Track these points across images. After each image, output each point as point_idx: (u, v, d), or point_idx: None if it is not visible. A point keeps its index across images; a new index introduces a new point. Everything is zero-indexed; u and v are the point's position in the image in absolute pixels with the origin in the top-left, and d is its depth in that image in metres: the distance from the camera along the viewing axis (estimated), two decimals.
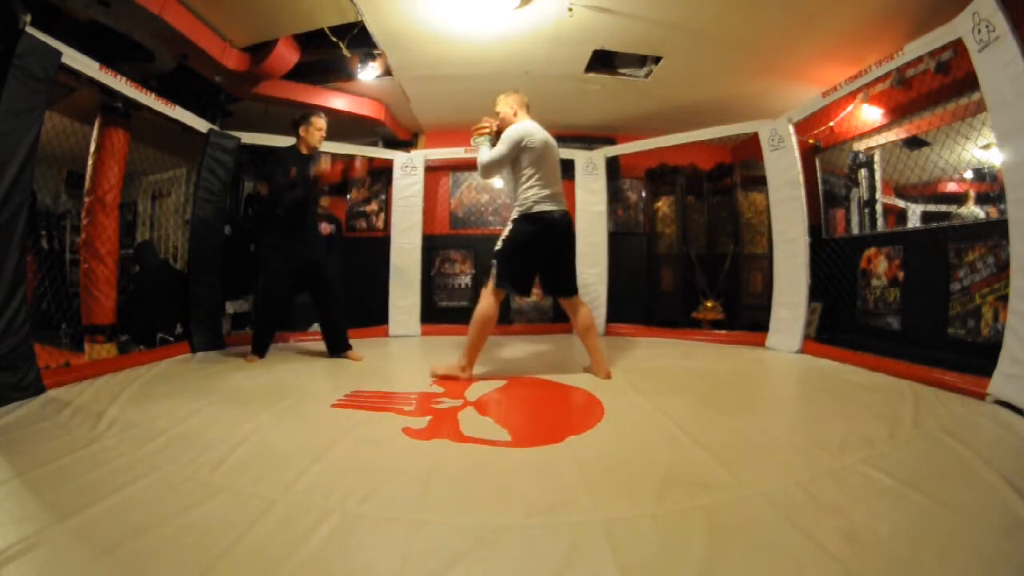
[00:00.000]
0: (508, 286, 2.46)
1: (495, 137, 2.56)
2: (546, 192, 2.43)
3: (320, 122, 3.06)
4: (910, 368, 2.43)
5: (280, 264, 2.96)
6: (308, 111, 3.12)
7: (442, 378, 2.44)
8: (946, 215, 3.39)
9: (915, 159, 3.31)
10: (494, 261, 2.48)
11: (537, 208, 2.41)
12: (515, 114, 2.59)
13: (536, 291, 4.90)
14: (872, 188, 3.76)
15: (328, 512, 1.10)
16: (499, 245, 2.48)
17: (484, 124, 2.58)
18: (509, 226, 2.48)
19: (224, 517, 1.08)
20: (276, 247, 2.98)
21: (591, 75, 3.85)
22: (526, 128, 2.46)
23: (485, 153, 2.49)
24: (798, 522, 1.03)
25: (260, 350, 3.04)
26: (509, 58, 3.58)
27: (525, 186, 2.45)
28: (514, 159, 2.46)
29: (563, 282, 2.57)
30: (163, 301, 3.53)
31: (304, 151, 3.04)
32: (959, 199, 3.30)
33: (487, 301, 2.45)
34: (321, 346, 3.19)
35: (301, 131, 3.03)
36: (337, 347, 3.10)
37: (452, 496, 1.21)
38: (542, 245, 2.45)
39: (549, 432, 1.70)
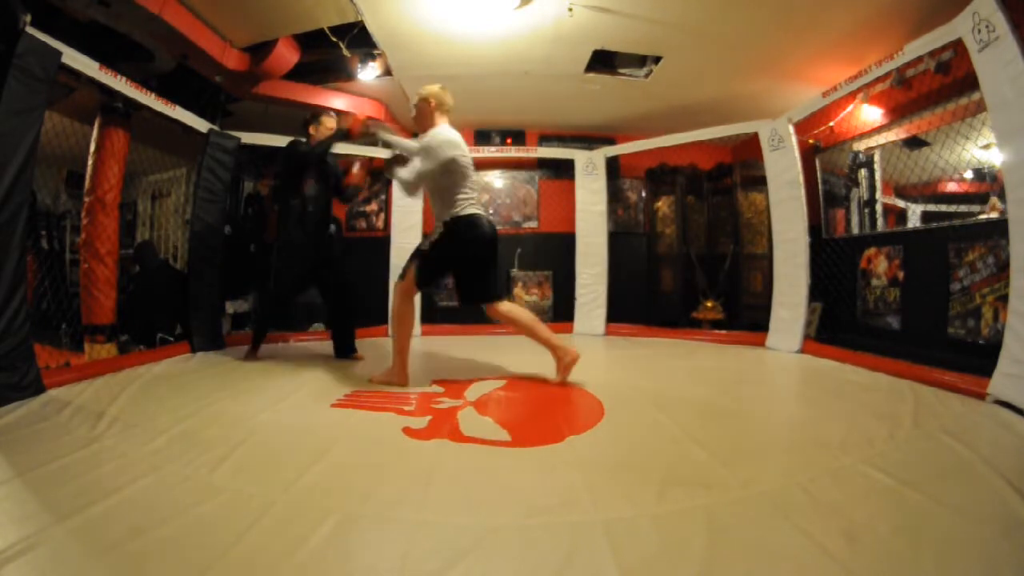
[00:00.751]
0: (424, 288, 2.44)
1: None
2: (475, 200, 2.38)
3: (331, 122, 3.03)
4: (910, 368, 2.44)
5: (293, 263, 2.94)
6: (317, 110, 3.10)
7: (381, 382, 2.39)
8: (947, 215, 3.39)
9: (915, 159, 3.31)
10: (415, 262, 2.39)
11: (470, 214, 2.32)
12: (431, 112, 2.40)
13: (536, 290, 4.93)
14: (872, 188, 3.76)
15: (328, 512, 1.10)
16: (425, 247, 2.40)
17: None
18: (440, 229, 2.35)
19: (224, 517, 1.08)
20: (290, 245, 2.95)
21: (591, 75, 3.85)
22: (451, 138, 2.32)
23: (408, 172, 2.35)
24: (798, 522, 1.03)
25: (258, 349, 3.05)
26: (509, 58, 3.58)
27: (457, 198, 2.33)
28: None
29: (485, 288, 2.42)
30: (163, 301, 3.53)
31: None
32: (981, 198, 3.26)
33: (403, 300, 2.39)
34: (321, 346, 3.19)
35: (311, 131, 3.00)
36: (346, 349, 3.09)
37: (452, 496, 1.21)
38: (468, 253, 2.36)
39: (549, 432, 1.70)
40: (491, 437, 1.63)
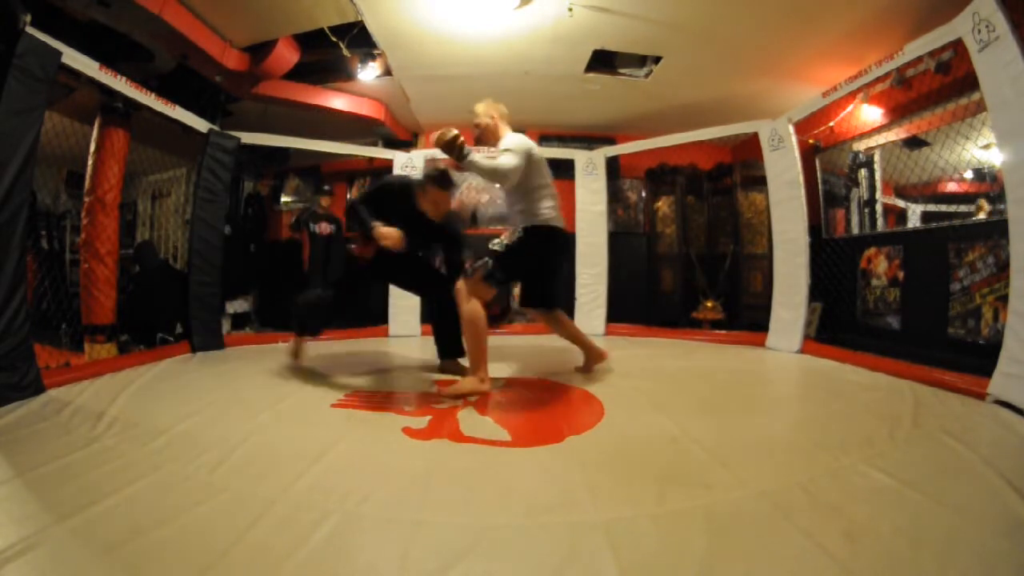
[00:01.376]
0: (499, 289, 2.40)
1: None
2: (555, 205, 2.41)
3: (438, 196, 2.48)
4: (910, 368, 2.43)
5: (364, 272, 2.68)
6: (435, 174, 2.48)
7: (464, 396, 2.18)
8: (947, 215, 3.40)
9: (915, 159, 3.31)
10: (489, 261, 2.35)
11: (554, 223, 2.37)
12: (496, 124, 2.43)
13: None
14: (872, 188, 3.77)
15: (328, 512, 1.10)
16: (501, 248, 2.36)
17: (455, 134, 2.26)
18: (519, 234, 2.34)
19: (224, 517, 1.08)
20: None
21: (591, 75, 3.85)
22: (527, 139, 2.38)
23: (509, 159, 2.21)
24: (798, 522, 1.03)
25: (313, 330, 2.77)
26: (509, 58, 3.58)
27: (538, 196, 2.35)
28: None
29: (549, 294, 2.60)
30: (163, 301, 3.53)
31: (428, 212, 2.52)
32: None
33: (477, 303, 2.30)
34: (321, 347, 3.17)
35: (420, 195, 2.51)
36: (452, 350, 2.73)
37: (452, 496, 1.21)
38: (547, 258, 2.47)
39: (549, 432, 1.70)
40: (491, 437, 1.63)
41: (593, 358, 2.63)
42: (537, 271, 2.51)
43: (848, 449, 1.45)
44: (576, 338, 2.65)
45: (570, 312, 4.47)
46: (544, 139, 5.20)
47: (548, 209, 2.37)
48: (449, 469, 1.38)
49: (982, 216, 3.16)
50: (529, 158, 2.30)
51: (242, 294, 4.58)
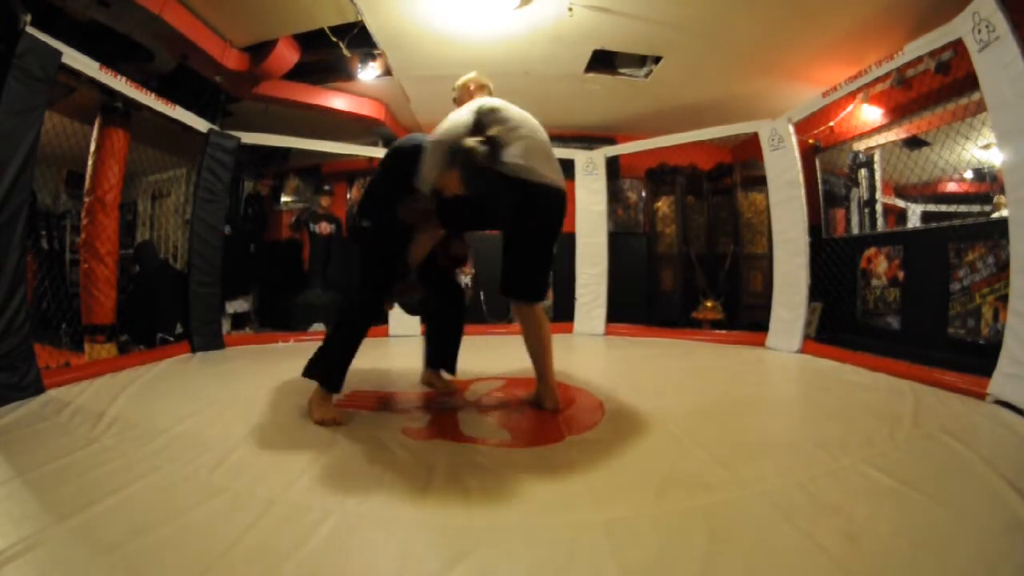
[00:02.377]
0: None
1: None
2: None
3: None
4: (910, 368, 2.43)
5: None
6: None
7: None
8: (947, 215, 3.40)
9: (915, 159, 3.32)
10: None
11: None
12: (473, 95, 2.18)
13: None
14: (872, 188, 3.77)
15: (328, 512, 1.10)
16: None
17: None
18: None
19: (224, 517, 1.08)
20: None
21: (591, 75, 3.85)
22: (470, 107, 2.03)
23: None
24: (798, 522, 1.03)
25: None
26: (509, 58, 3.58)
27: None
28: None
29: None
30: (163, 301, 3.53)
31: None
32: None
33: None
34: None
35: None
36: (450, 363, 2.25)
37: (452, 496, 1.21)
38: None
39: (549, 432, 1.70)
40: (491, 437, 1.63)
41: (544, 400, 1.92)
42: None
43: (848, 449, 1.45)
44: (545, 361, 1.91)
45: (570, 313, 4.46)
46: None
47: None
48: (449, 469, 1.38)
49: (1003, 213, 3.15)
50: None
51: (242, 294, 4.58)
